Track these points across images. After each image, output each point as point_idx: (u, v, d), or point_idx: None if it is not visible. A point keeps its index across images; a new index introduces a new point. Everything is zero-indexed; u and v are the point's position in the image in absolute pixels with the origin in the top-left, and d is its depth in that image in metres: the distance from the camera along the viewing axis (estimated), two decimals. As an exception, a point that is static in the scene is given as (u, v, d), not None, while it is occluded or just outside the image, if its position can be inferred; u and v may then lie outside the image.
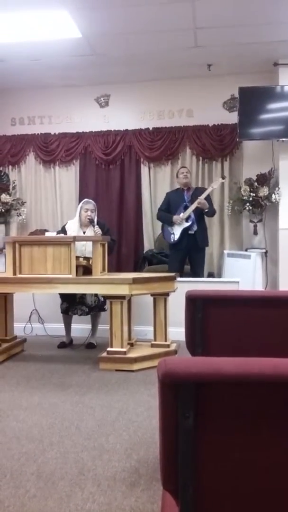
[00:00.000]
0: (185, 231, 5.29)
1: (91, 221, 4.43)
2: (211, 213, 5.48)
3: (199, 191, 5.46)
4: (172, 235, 5.37)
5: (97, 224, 4.52)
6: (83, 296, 4.45)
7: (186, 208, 5.33)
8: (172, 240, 5.39)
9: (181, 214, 5.29)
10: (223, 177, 5.74)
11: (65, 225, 4.69)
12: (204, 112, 6.13)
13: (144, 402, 3.12)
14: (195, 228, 5.32)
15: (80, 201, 6.52)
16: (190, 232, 5.31)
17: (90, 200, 4.69)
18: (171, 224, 5.37)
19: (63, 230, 4.61)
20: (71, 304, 4.51)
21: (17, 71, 5.84)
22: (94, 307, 4.50)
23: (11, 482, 2.12)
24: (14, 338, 4.48)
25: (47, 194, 6.68)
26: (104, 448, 2.46)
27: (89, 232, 4.45)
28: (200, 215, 5.36)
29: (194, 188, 5.57)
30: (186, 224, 5.29)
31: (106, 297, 3.91)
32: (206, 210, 5.31)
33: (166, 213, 5.46)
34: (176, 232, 5.33)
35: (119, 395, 3.26)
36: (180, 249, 5.38)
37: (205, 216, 5.46)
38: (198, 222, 5.34)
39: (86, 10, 4.29)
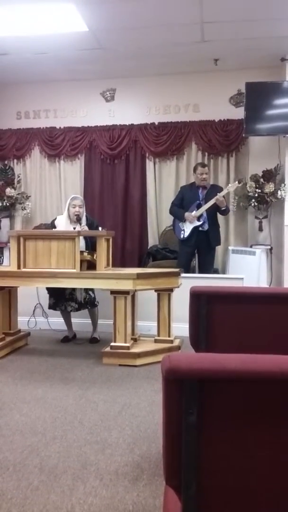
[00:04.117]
0: (195, 228, 5.27)
1: (78, 219, 4.36)
2: (227, 211, 5.50)
3: (214, 189, 5.38)
4: (182, 232, 5.34)
5: (86, 220, 4.48)
6: (72, 292, 4.45)
7: (199, 206, 5.28)
8: (182, 236, 5.37)
9: (194, 212, 5.25)
10: (239, 181, 5.65)
11: (54, 220, 4.63)
12: (210, 107, 6.10)
13: (147, 397, 3.13)
14: (206, 226, 5.28)
15: (85, 196, 6.56)
16: (201, 229, 5.28)
17: (78, 196, 4.65)
18: (183, 220, 5.34)
19: (53, 225, 4.56)
20: (59, 300, 4.49)
21: (23, 65, 5.82)
22: (85, 304, 4.48)
23: (14, 475, 2.13)
24: (18, 332, 4.49)
25: (52, 188, 6.68)
26: (107, 443, 2.46)
27: (78, 228, 4.38)
28: (213, 214, 5.32)
29: (210, 186, 5.50)
30: (198, 223, 5.26)
31: (112, 291, 3.91)
32: (224, 208, 5.27)
33: (179, 208, 5.42)
34: (187, 229, 5.31)
35: (122, 390, 3.27)
36: (189, 245, 5.36)
37: (217, 214, 5.43)
38: (210, 221, 5.30)
39: (93, 4, 4.26)
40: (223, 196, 5.24)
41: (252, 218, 6.01)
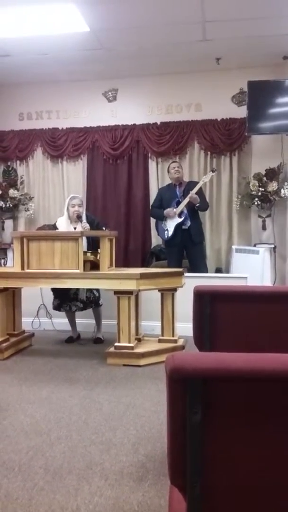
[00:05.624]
0: (178, 227, 5.28)
1: (78, 217, 4.40)
2: (203, 207, 5.47)
3: (191, 185, 5.42)
4: (166, 232, 5.36)
5: (86, 218, 4.50)
6: (77, 291, 4.45)
7: (178, 203, 5.32)
8: (166, 237, 5.39)
9: (174, 209, 5.28)
10: (213, 170, 5.69)
11: (55, 223, 4.67)
12: (213, 106, 6.09)
13: (152, 397, 3.13)
14: (188, 223, 5.30)
15: (88, 196, 6.58)
16: (184, 227, 5.30)
17: (77, 195, 4.71)
18: (164, 219, 5.37)
19: (55, 228, 4.59)
20: (63, 301, 4.50)
21: (25, 66, 5.83)
22: (89, 303, 4.49)
23: (19, 476, 2.14)
24: (22, 332, 4.50)
25: (55, 189, 6.69)
26: (112, 443, 2.46)
27: (79, 227, 4.40)
28: (193, 210, 5.35)
29: (187, 183, 5.54)
30: (179, 220, 5.28)
31: (115, 292, 3.91)
32: (198, 204, 5.29)
33: (159, 209, 5.47)
34: (170, 228, 5.33)
35: (126, 390, 3.27)
36: (175, 245, 5.38)
37: (199, 211, 5.45)
38: (192, 217, 5.33)
39: (94, 4, 4.27)
40: (201, 189, 5.32)
41: (255, 217, 5.99)
